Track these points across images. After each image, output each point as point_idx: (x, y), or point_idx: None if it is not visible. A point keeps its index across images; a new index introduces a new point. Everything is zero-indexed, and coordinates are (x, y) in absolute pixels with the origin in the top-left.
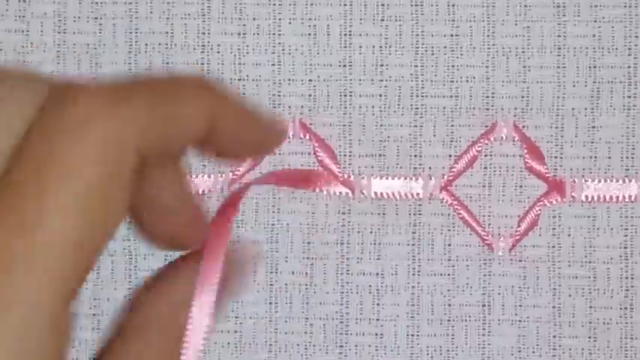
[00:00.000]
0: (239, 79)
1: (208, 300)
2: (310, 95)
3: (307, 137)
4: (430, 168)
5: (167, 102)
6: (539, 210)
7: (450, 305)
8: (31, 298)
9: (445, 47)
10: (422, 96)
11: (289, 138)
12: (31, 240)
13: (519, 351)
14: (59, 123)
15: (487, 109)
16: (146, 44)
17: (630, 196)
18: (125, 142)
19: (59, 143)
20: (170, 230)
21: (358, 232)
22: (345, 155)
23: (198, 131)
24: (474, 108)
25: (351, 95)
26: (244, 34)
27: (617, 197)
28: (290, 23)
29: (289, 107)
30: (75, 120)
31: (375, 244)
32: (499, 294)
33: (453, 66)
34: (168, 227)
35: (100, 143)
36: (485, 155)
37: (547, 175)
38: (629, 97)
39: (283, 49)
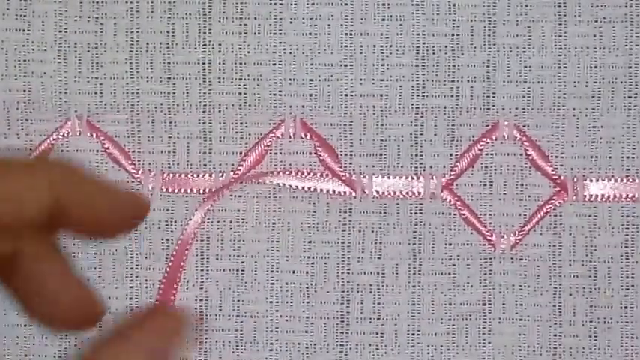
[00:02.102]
0: (240, 79)
1: None
2: (311, 95)
3: (308, 137)
4: (431, 167)
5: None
6: (548, 210)
7: (450, 304)
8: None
9: (446, 47)
10: (423, 95)
11: (290, 137)
12: None
13: (520, 349)
14: None
15: (488, 108)
16: (147, 43)
17: (631, 196)
18: None
19: None
20: (58, 314)
21: (359, 231)
22: (346, 154)
23: (38, 209)
24: (474, 108)
25: (352, 95)
26: (245, 33)
27: (619, 196)
28: (291, 22)
29: (290, 107)
30: None
31: (375, 243)
32: (500, 292)
33: (454, 65)
34: (55, 311)
35: None
36: (487, 154)
37: (553, 175)
38: (630, 97)
39: (284, 49)
